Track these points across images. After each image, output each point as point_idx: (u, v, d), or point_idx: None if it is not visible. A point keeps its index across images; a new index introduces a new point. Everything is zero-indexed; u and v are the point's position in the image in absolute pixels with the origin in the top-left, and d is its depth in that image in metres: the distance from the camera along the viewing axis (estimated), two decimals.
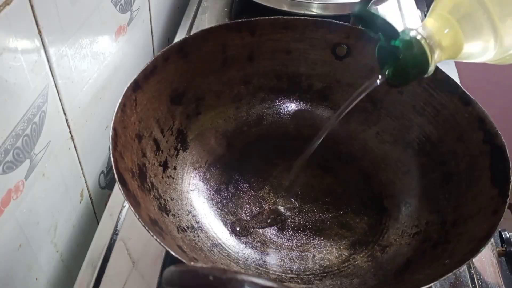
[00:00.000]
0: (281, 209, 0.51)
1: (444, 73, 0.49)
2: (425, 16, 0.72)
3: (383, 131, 0.55)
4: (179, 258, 0.35)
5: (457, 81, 0.49)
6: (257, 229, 0.48)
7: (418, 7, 0.83)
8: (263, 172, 0.54)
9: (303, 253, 0.47)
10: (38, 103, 0.42)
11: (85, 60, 0.50)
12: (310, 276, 0.45)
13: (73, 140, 0.51)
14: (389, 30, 0.38)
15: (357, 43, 0.53)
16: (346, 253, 0.47)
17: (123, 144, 0.42)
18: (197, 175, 0.52)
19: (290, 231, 0.49)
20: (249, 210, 0.50)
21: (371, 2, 0.54)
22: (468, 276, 0.48)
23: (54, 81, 0.45)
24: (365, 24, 0.39)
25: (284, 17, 0.54)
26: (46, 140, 0.45)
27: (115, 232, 0.50)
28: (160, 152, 0.49)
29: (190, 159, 0.52)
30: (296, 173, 0.51)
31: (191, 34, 0.51)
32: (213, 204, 0.50)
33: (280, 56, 0.55)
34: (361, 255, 0.46)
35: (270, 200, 0.51)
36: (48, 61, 0.43)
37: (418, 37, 0.37)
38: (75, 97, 0.50)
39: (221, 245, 0.46)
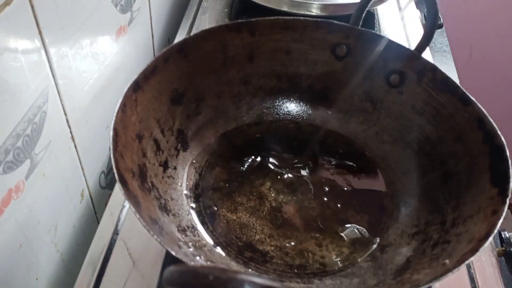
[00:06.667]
0: (281, 207, 0.51)
1: (443, 73, 0.49)
2: (425, 16, 0.72)
3: (383, 131, 0.55)
4: (179, 258, 0.35)
5: (457, 81, 0.49)
6: (257, 228, 0.48)
7: (417, 7, 0.84)
8: (263, 171, 0.54)
9: (303, 252, 0.47)
10: (38, 103, 0.42)
11: (85, 60, 0.50)
12: (310, 276, 0.45)
13: (73, 140, 0.51)
14: None
15: (356, 43, 0.54)
16: (346, 252, 0.47)
17: (124, 144, 0.42)
18: (197, 175, 0.52)
19: (290, 229, 0.49)
20: (249, 208, 0.50)
21: (371, 2, 0.54)
22: (468, 276, 0.48)
23: (54, 81, 0.45)
24: None
25: (284, 17, 0.54)
26: (46, 140, 0.45)
27: (116, 232, 0.50)
28: (161, 152, 0.49)
29: (190, 159, 0.52)
30: (297, 171, 0.51)
31: (191, 34, 0.51)
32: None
33: (280, 56, 0.55)
34: (361, 255, 0.46)
35: (270, 198, 0.51)
36: (49, 61, 0.43)
37: None
38: (75, 97, 0.50)
39: (221, 244, 0.46)
